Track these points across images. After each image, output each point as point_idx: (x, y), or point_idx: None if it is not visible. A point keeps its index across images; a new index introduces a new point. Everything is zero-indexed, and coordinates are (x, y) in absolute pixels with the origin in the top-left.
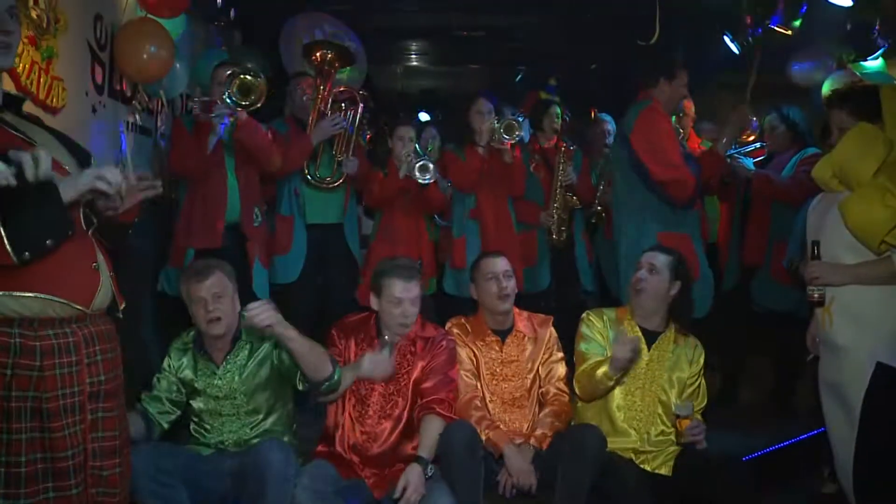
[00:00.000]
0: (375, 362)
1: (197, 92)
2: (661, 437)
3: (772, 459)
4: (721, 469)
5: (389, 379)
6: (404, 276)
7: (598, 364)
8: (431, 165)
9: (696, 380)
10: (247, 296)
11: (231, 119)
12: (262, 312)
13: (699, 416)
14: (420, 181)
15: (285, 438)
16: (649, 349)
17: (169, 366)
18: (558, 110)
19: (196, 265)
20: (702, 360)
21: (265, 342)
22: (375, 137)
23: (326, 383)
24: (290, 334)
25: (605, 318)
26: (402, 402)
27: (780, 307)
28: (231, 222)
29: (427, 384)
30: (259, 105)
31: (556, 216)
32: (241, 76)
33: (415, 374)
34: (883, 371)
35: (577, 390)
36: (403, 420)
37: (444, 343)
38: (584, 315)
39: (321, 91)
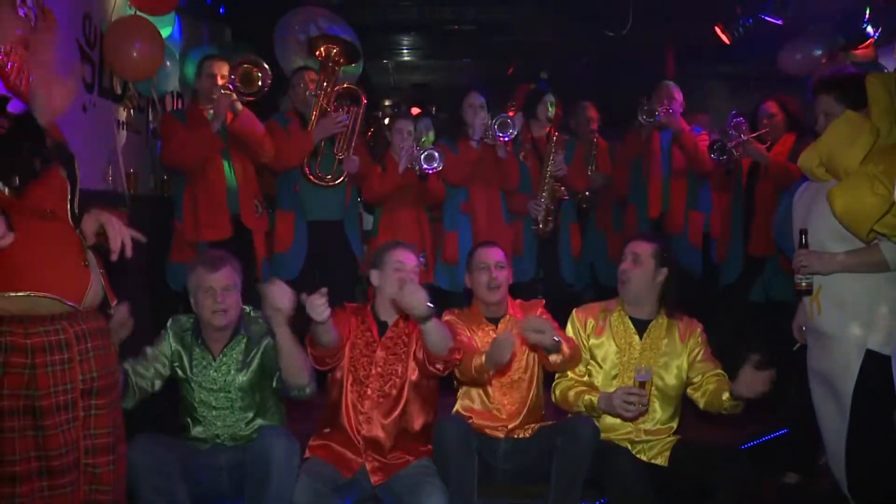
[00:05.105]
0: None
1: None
2: (657, 427)
3: (769, 448)
4: (718, 459)
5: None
6: (405, 246)
7: (581, 390)
8: (437, 154)
9: (699, 350)
10: (251, 289)
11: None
12: (283, 296)
13: (723, 374)
14: (427, 170)
15: None
16: (641, 338)
17: (165, 342)
18: (552, 98)
19: (208, 255)
20: (698, 332)
21: (263, 339)
22: (376, 133)
23: (297, 391)
24: (283, 330)
25: (587, 317)
26: (398, 381)
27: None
28: (232, 214)
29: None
30: (261, 94)
31: (543, 206)
32: (245, 65)
33: (412, 347)
34: (873, 359)
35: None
36: (402, 401)
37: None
38: (572, 312)
39: (324, 88)
